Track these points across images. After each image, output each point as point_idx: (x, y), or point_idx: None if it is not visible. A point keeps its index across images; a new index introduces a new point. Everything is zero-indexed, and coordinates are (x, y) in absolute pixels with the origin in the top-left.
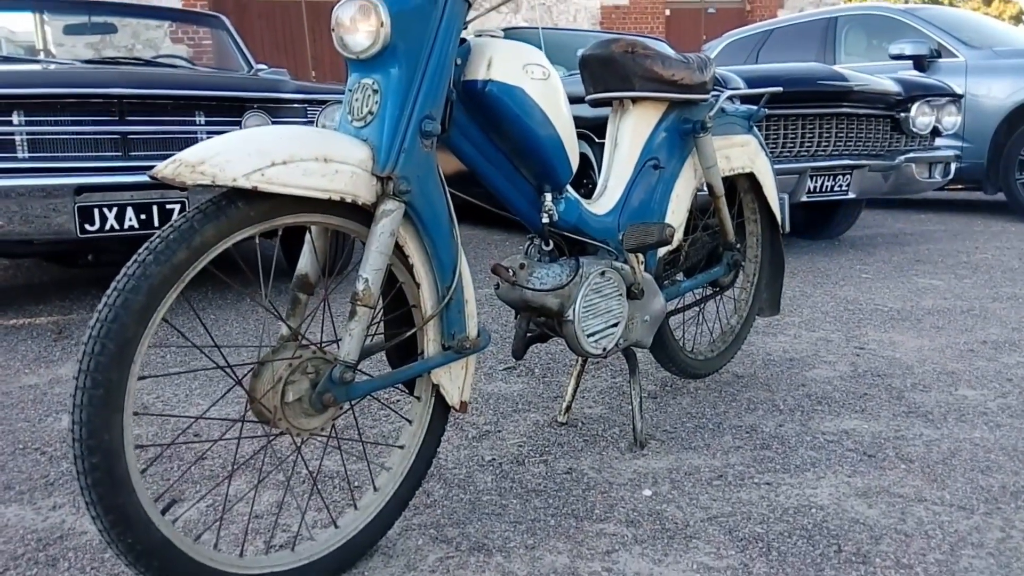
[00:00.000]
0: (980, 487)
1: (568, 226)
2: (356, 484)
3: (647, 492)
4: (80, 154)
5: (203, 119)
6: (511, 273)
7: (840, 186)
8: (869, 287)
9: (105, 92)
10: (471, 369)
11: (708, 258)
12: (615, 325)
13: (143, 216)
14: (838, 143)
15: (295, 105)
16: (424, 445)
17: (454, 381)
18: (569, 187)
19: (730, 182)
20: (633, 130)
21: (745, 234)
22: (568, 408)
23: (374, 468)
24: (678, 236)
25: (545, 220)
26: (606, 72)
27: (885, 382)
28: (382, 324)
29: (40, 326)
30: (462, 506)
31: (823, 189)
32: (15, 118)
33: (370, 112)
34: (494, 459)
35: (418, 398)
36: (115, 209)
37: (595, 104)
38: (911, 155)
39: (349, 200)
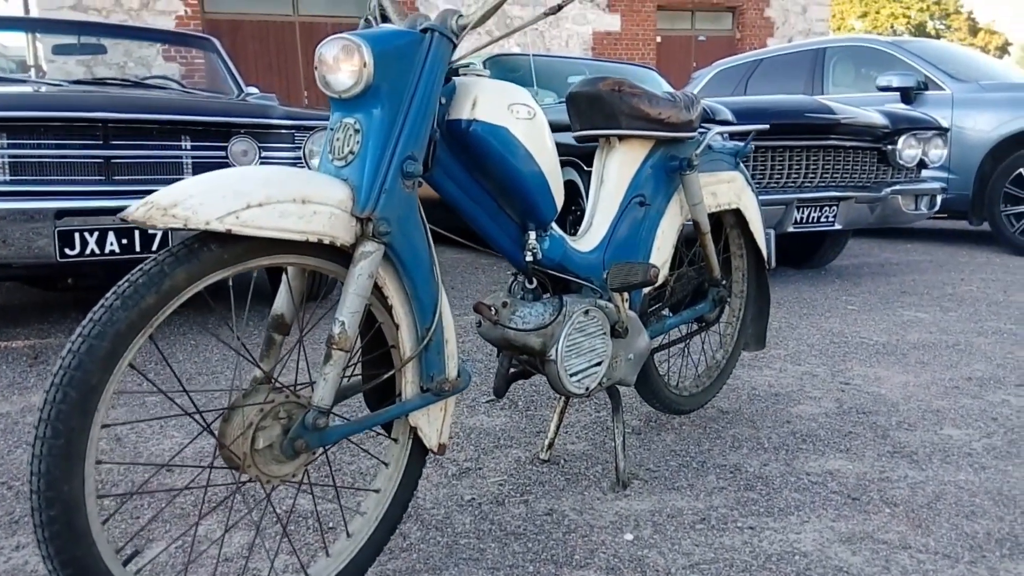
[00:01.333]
0: (965, 533)
1: (552, 264)
2: (330, 526)
3: (628, 536)
4: (62, 177)
5: (189, 144)
6: (493, 312)
7: (827, 217)
8: (855, 319)
9: (90, 116)
10: (450, 410)
11: (694, 294)
12: (598, 364)
13: (124, 241)
14: (825, 175)
15: (283, 131)
16: (400, 489)
17: (432, 423)
18: (554, 225)
19: (716, 218)
20: (619, 167)
21: (731, 269)
22: (550, 445)
23: (348, 512)
24: (663, 273)
25: (529, 258)
26: (593, 109)
27: (870, 420)
28: (359, 365)
29: (16, 350)
30: (439, 550)
31: (809, 220)
32: (1, 139)
33: (351, 152)
34: (473, 499)
35: (395, 440)
36: (96, 233)
37: (582, 140)
38: (897, 187)
39: (327, 242)
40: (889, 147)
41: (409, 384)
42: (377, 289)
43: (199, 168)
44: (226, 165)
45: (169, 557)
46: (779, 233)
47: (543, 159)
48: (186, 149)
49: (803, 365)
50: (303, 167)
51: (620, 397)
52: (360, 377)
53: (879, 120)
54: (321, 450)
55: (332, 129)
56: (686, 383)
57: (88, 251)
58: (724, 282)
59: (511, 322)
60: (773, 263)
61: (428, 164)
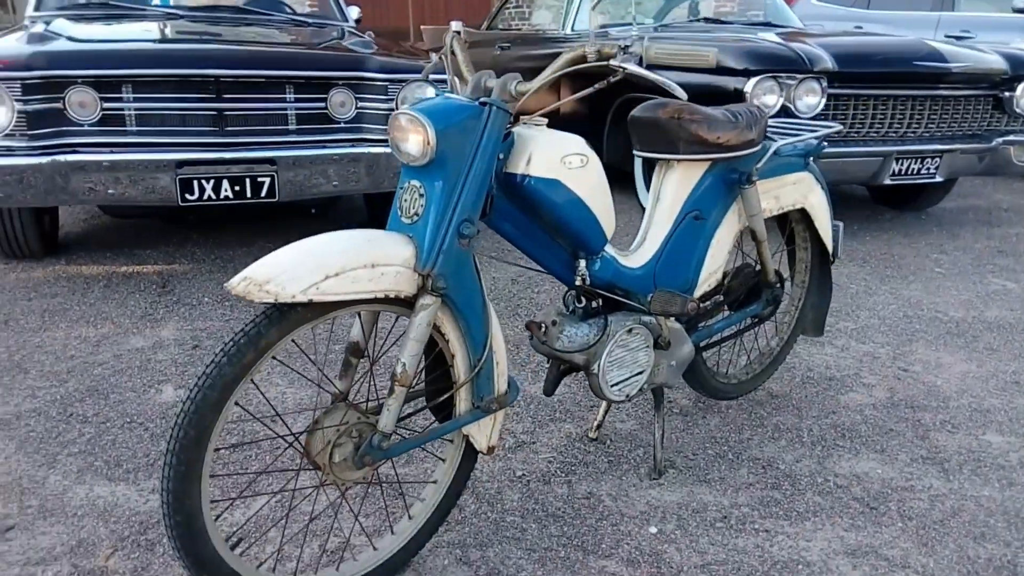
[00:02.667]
0: (967, 557)
1: (602, 283)
2: (393, 511)
3: (653, 529)
4: (181, 128)
5: (292, 96)
6: (543, 331)
7: (928, 169)
8: (938, 286)
9: (204, 73)
10: (500, 419)
11: (749, 292)
12: (640, 373)
13: (237, 187)
14: (930, 125)
15: (377, 83)
16: (454, 482)
17: (482, 431)
18: (608, 246)
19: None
20: (676, 186)
21: (794, 260)
22: (599, 426)
23: (410, 499)
24: (717, 277)
25: (579, 282)
26: (653, 135)
27: (915, 416)
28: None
29: (147, 276)
30: (487, 525)
31: (909, 172)
32: (125, 94)
33: (416, 213)
34: (524, 475)
35: (451, 441)
36: (212, 181)
37: (644, 159)
38: (1011, 137)
39: (393, 296)
40: (1007, 94)
41: (463, 402)
42: (435, 327)
43: (302, 119)
44: (326, 116)
45: (267, 544)
46: (875, 185)
47: (594, 201)
48: (290, 101)
49: (867, 344)
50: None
51: (663, 395)
52: (425, 390)
53: (998, 65)
54: None
55: (402, 188)
56: (735, 371)
57: (205, 196)
58: (778, 283)
59: (558, 341)
60: (839, 255)
61: (486, 211)
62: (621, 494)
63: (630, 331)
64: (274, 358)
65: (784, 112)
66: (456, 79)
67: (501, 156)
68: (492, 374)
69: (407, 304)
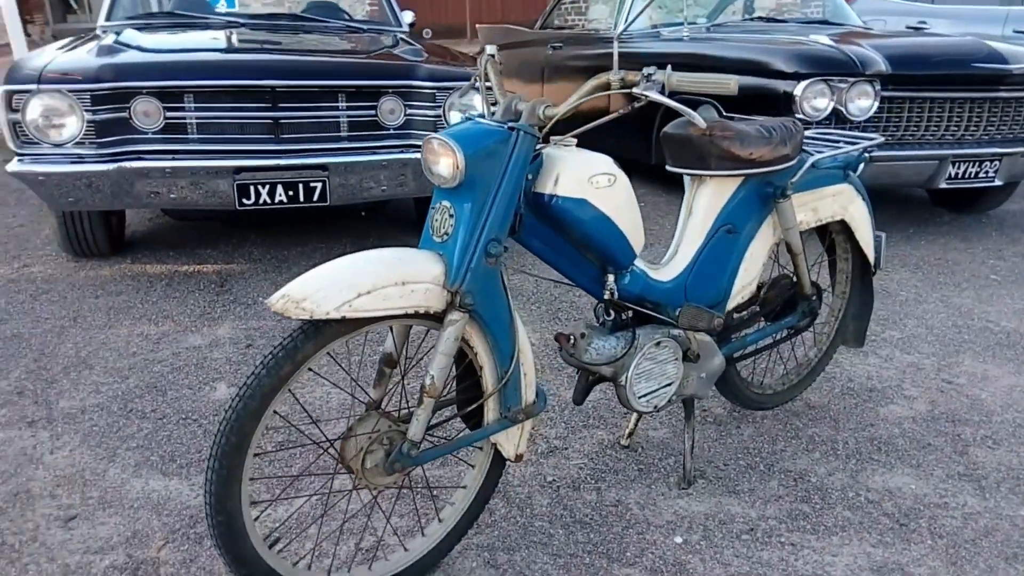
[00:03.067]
0: None
1: (632, 297)
2: (426, 514)
3: (678, 539)
4: (239, 136)
5: (344, 104)
6: (571, 343)
7: (986, 172)
8: (991, 294)
9: (260, 84)
10: (528, 427)
11: (784, 303)
12: (668, 385)
13: (291, 192)
14: (989, 127)
15: (425, 91)
16: (482, 488)
17: (510, 440)
18: (638, 259)
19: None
20: (709, 201)
21: (835, 271)
22: (631, 433)
23: (440, 503)
24: (750, 289)
25: (607, 296)
26: (685, 151)
27: (955, 431)
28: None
29: (206, 275)
30: (516, 530)
31: (966, 176)
32: (187, 104)
33: (446, 233)
34: (554, 480)
35: (480, 448)
36: (267, 186)
37: (675, 174)
38: None
39: (423, 312)
40: None
41: (491, 412)
42: (464, 340)
43: (353, 126)
44: (376, 123)
45: (306, 541)
46: (931, 188)
47: (621, 218)
48: (342, 109)
49: (912, 355)
50: (442, 123)
51: (693, 406)
52: (456, 399)
53: None
54: None
55: (433, 208)
56: (771, 381)
57: (261, 201)
58: (815, 295)
59: (586, 353)
60: (881, 266)
61: (515, 228)
62: (649, 503)
63: (658, 344)
64: (310, 369)
65: (835, 116)
66: (489, 100)
67: (529, 176)
68: (519, 385)
69: (436, 319)
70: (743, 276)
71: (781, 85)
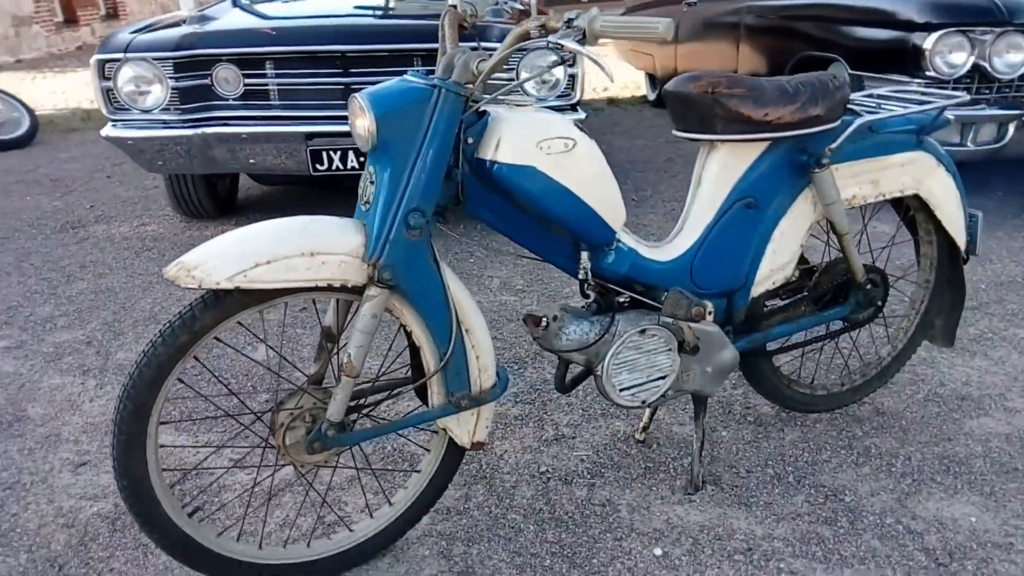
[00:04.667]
0: None
1: (617, 278)
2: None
3: (658, 551)
4: (313, 102)
5: (420, 67)
6: (543, 325)
7: None
8: None
9: (329, 49)
10: (485, 414)
11: (835, 292)
12: (661, 378)
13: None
14: None
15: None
16: (436, 474)
17: (463, 426)
18: (624, 234)
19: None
20: (720, 170)
21: (919, 255)
22: (645, 428)
23: (395, 487)
24: (783, 274)
25: (581, 276)
26: (687, 112)
27: None
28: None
29: None
30: (486, 520)
31: None
32: (267, 71)
33: (368, 200)
34: (547, 471)
35: (435, 432)
36: (339, 152)
37: (680, 139)
38: None
39: (338, 284)
40: None
41: (435, 395)
42: (399, 317)
43: None
44: None
45: (226, 515)
46: None
47: (586, 189)
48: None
49: None
50: (517, 89)
51: (705, 404)
52: (412, 376)
53: None
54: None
55: (364, 174)
56: (827, 380)
57: (334, 167)
58: (870, 285)
59: (556, 338)
60: (977, 250)
61: (460, 198)
62: (642, 506)
63: (643, 332)
64: (218, 339)
65: (978, 73)
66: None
67: (470, 140)
68: (463, 369)
69: (360, 293)
70: (772, 259)
71: (910, 38)
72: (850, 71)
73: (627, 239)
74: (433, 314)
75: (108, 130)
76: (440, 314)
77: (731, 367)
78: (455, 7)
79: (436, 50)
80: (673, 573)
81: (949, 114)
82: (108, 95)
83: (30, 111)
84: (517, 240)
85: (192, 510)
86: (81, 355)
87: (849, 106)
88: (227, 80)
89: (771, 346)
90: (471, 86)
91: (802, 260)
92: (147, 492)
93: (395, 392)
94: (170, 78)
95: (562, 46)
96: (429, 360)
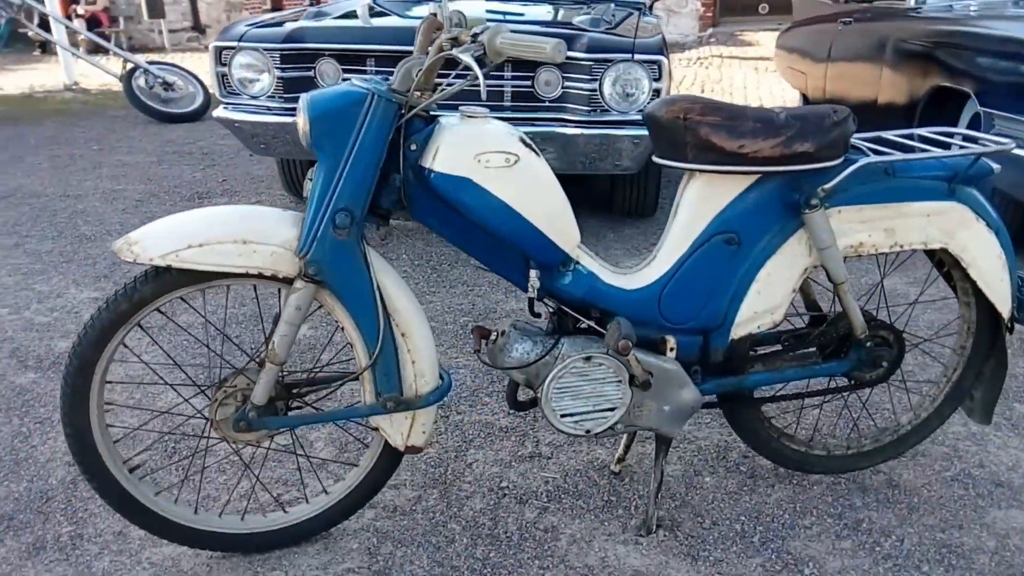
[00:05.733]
0: None
1: (572, 300)
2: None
3: None
4: None
5: (510, 74)
6: (491, 340)
7: None
8: None
9: (392, 48)
10: (421, 418)
11: (839, 346)
12: (610, 410)
13: None
14: None
15: (582, 63)
16: (371, 472)
17: (395, 427)
18: (585, 256)
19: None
20: (697, 200)
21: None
22: (621, 459)
23: (332, 476)
24: (771, 318)
25: (530, 294)
26: (661, 138)
27: None
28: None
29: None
30: (425, 525)
31: None
32: (368, 67)
33: (307, 196)
34: (507, 488)
35: (375, 429)
36: None
37: (660, 165)
38: None
39: (268, 274)
40: None
41: (366, 393)
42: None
43: (516, 97)
44: (532, 95)
45: (167, 474)
46: None
47: (529, 208)
48: (507, 79)
49: None
50: (597, 99)
51: (666, 445)
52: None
53: None
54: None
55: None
56: (830, 440)
57: None
58: (870, 343)
59: (501, 353)
60: (1021, 321)
61: (403, 203)
62: (584, 539)
63: (588, 359)
64: (160, 311)
65: None
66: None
67: (414, 147)
68: (393, 372)
69: (291, 284)
70: (756, 300)
71: None
72: (980, 108)
73: (587, 262)
74: (361, 314)
75: (220, 111)
76: (368, 314)
77: (691, 408)
78: (435, 15)
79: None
80: None
81: (994, 163)
82: (222, 79)
83: (204, 88)
84: (465, 250)
85: (132, 467)
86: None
87: (857, 144)
88: (328, 74)
89: (762, 394)
90: (417, 94)
91: (815, 307)
92: (89, 444)
93: (328, 384)
94: (276, 68)
95: (462, 60)
96: (360, 358)
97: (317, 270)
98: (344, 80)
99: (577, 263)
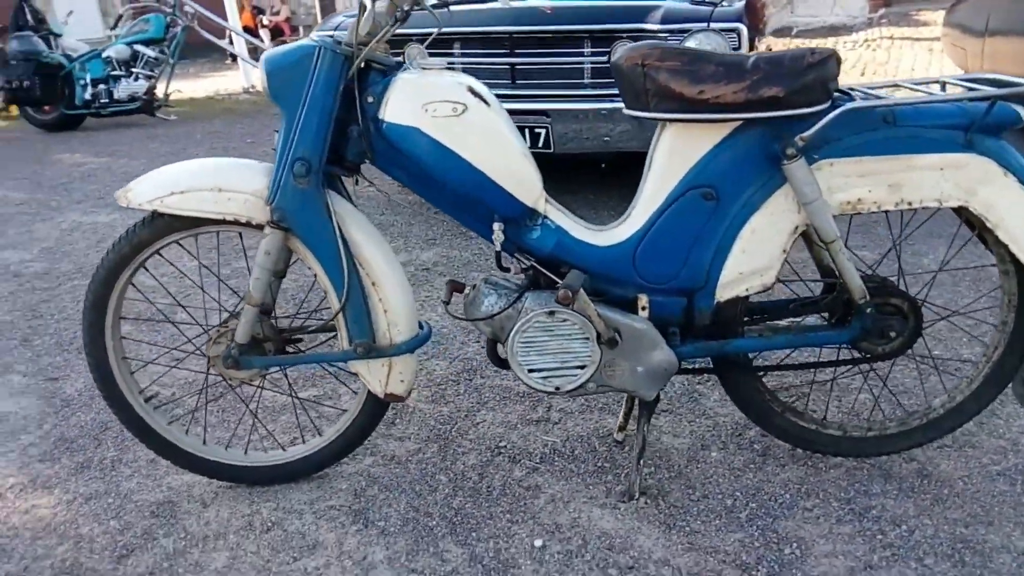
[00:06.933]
0: None
1: (542, 255)
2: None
3: (537, 543)
4: (487, 81)
5: (589, 50)
6: (463, 295)
7: None
8: None
9: (499, 30)
10: (399, 366)
11: (845, 313)
12: (580, 367)
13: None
14: None
15: (658, 35)
16: (358, 417)
17: (373, 374)
18: (554, 210)
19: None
20: (671, 151)
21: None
22: (621, 427)
23: (329, 420)
24: (761, 280)
25: (496, 247)
26: (623, 85)
27: None
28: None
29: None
30: (414, 474)
31: None
32: (455, 50)
33: (276, 148)
34: (505, 447)
35: (355, 375)
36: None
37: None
38: None
39: (244, 220)
40: None
41: (342, 340)
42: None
43: (596, 73)
44: (609, 72)
45: (178, 406)
46: None
47: (481, 158)
48: (587, 56)
49: None
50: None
51: (648, 409)
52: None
53: None
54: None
55: None
56: (847, 419)
57: None
58: (872, 309)
59: (471, 306)
60: None
61: (370, 155)
62: (564, 500)
63: (552, 314)
64: (159, 254)
65: None
66: None
67: (371, 99)
68: (363, 319)
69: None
70: (741, 259)
71: None
72: None
73: (556, 216)
74: (327, 261)
75: None
76: (332, 263)
77: (665, 371)
78: None
79: (592, 31)
80: (536, 566)
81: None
82: None
83: None
84: (431, 202)
85: (147, 396)
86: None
87: (846, 91)
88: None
89: (762, 362)
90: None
91: (829, 273)
92: (107, 373)
93: (311, 328)
94: None
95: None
96: (333, 304)
97: (281, 216)
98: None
99: (545, 217)
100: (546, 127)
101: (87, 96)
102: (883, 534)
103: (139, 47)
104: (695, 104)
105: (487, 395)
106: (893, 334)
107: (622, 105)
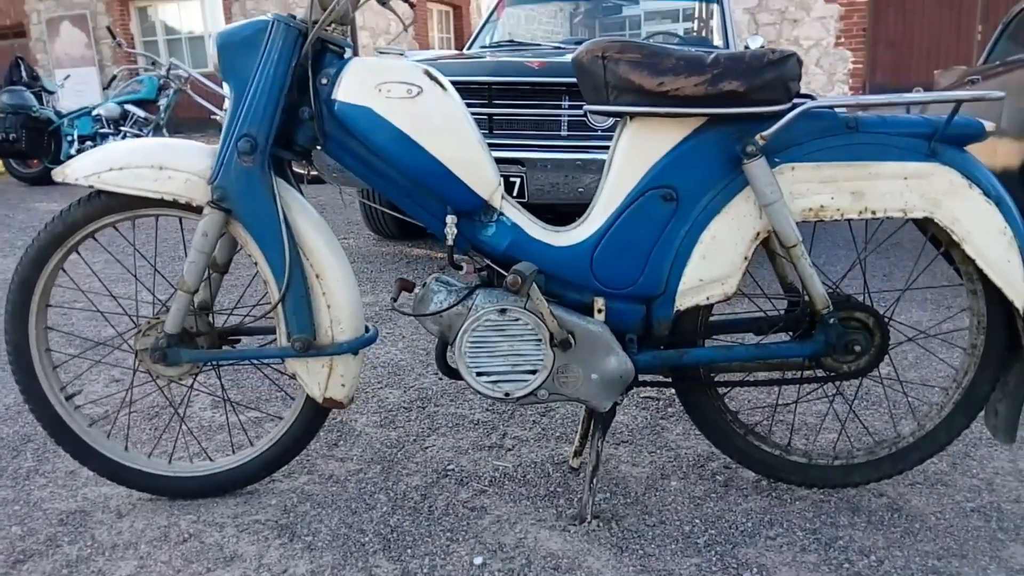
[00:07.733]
0: None
1: (496, 253)
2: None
3: (477, 560)
4: None
5: (567, 102)
6: (401, 291)
7: None
8: None
9: (477, 80)
10: (340, 369)
11: (809, 327)
12: (531, 372)
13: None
14: None
15: None
16: (294, 425)
17: (312, 376)
18: (510, 206)
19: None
20: (630, 149)
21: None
22: (576, 453)
23: (263, 429)
24: (721, 288)
25: (449, 243)
26: (585, 81)
27: None
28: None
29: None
30: (351, 491)
31: None
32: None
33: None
34: (452, 471)
35: (293, 377)
36: None
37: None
38: None
39: (183, 201)
40: None
41: (281, 335)
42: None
43: (573, 126)
44: (584, 124)
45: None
46: None
47: (434, 143)
48: (565, 108)
49: None
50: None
51: (603, 425)
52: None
53: None
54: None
55: None
56: (812, 447)
57: None
58: (833, 320)
59: (420, 303)
60: None
61: (320, 140)
62: (509, 521)
63: (503, 312)
64: (92, 237)
65: None
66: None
67: (325, 81)
68: (304, 312)
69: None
70: (701, 266)
71: None
72: None
73: (512, 213)
74: (269, 247)
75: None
76: (274, 250)
77: (621, 379)
78: None
79: (562, 85)
80: None
81: (987, 123)
82: None
83: None
84: (382, 192)
85: (69, 394)
86: None
87: (809, 94)
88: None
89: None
90: (328, 28)
91: (793, 290)
92: (27, 363)
93: (249, 325)
94: None
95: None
96: (272, 296)
97: (222, 196)
98: None
99: (501, 214)
100: (521, 176)
101: (72, 152)
102: (850, 563)
103: (129, 107)
104: (655, 97)
105: (440, 421)
106: (858, 349)
107: (598, 155)
